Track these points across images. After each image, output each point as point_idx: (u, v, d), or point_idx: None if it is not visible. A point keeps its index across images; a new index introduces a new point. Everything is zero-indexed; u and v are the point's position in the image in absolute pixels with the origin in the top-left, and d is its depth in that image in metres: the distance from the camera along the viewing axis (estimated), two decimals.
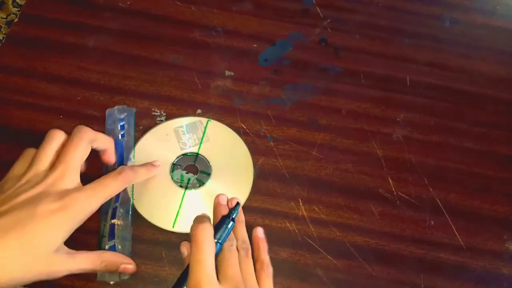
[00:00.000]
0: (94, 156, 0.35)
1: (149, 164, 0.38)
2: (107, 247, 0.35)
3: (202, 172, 0.40)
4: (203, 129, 0.41)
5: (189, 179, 0.39)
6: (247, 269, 0.33)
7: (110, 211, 0.36)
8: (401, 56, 0.48)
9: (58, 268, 0.29)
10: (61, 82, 0.43)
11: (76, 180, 0.31)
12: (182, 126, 0.41)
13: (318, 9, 0.50)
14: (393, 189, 0.41)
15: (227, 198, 0.38)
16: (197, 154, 0.41)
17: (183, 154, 0.40)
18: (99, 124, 0.41)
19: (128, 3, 0.48)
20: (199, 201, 0.39)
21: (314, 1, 0.51)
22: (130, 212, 0.37)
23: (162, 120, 0.42)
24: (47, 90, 0.42)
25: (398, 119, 0.45)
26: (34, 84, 0.43)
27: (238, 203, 0.37)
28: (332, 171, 0.42)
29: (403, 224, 0.40)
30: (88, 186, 0.31)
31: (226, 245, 0.33)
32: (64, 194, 0.29)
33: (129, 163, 0.39)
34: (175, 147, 0.41)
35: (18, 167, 0.32)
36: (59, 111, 0.42)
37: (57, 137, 0.32)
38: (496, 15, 0.52)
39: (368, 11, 0.51)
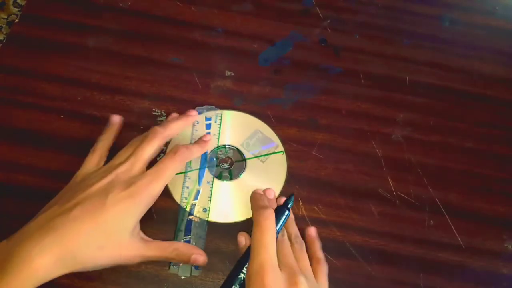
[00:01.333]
0: None
1: (201, 141, 0.39)
2: (182, 241, 0.37)
3: (229, 173, 0.40)
4: (271, 151, 0.41)
5: (215, 165, 0.40)
6: (303, 261, 0.34)
7: (189, 207, 0.38)
8: (401, 56, 0.48)
9: (131, 252, 0.31)
10: (62, 82, 0.43)
11: (142, 169, 0.34)
12: (263, 136, 0.42)
13: (318, 9, 0.50)
14: (393, 189, 0.41)
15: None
16: (245, 159, 0.41)
17: (237, 149, 0.41)
18: (99, 124, 0.41)
19: (129, 3, 0.48)
20: (195, 183, 0.39)
21: (314, 2, 0.51)
22: (208, 211, 0.38)
23: (162, 121, 0.42)
24: (48, 90, 0.43)
25: (397, 119, 0.45)
26: (34, 84, 0.43)
27: (292, 194, 0.38)
28: (332, 171, 0.42)
29: (403, 224, 0.40)
30: (149, 171, 0.33)
31: (279, 235, 0.34)
32: (130, 182, 0.32)
33: (212, 163, 0.40)
34: (238, 140, 0.41)
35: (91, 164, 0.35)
36: (59, 111, 0.42)
37: (135, 143, 0.35)
38: (495, 15, 0.53)
39: (368, 11, 0.51)
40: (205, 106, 0.43)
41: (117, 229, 0.30)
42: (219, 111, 0.42)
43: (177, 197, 0.39)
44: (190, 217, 0.38)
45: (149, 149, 0.34)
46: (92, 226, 0.29)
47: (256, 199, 0.36)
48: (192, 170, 0.39)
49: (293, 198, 0.38)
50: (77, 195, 0.31)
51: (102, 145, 0.36)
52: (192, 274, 0.36)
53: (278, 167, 0.41)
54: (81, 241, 0.29)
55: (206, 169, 0.40)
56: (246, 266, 0.32)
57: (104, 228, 0.30)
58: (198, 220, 0.38)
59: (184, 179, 0.39)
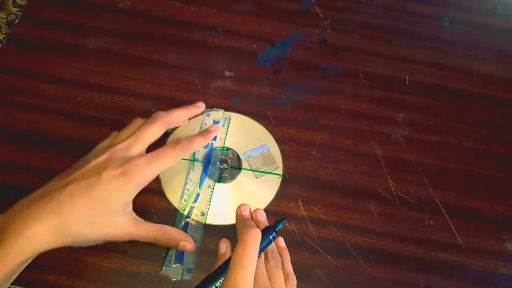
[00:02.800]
0: None
1: (205, 131, 0.39)
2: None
3: (220, 175, 0.40)
4: (270, 171, 0.40)
5: (218, 169, 0.40)
6: (278, 280, 0.34)
7: (187, 209, 0.38)
8: (400, 56, 0.48)
9: (121, 229, 0.31)
10: (62, 82, 0.43)
11: (140, 150, 0.34)
12: (269, 154, 0.41)
13: (317, 9, 0.50)
14: (393, 189, 0.41)
15: (250, 209, 0.38)
16: (240, 168, 0.40)
17: (238, 157, 0.40)
18: (99, 125, 0.41)
19: (128, 4, 0.48)
20: (196, 186, 0.39)
21: (314, 2, 0.51)
22: (205, 215, 0.38)
23: None
24: (48, 91, 0.43)
25: (397, 119, 0.45)
26: (34, 84, 0.43)
27: (285, 218, 0.37)
28: (332, 171, 0.42)
29: (403, 224, 0.40)
30: (148, 154, 0.33)
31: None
32: (126, 161, 0.32)
33: (215, 167, 0.40)
34: (242, 148, 0.41)
35: (105, 142, 0.35)
36: (59, 112, 0.42)
37: (137, 123, 0.36)
38: (495, 14, 0.52)
39: (368, 11, 0.51)
40: (214, 108, 0.42)
41: (109, 206, 0.31)
42: (227, 115, 0.42)
43: (170, 197, 0.39)
44: (187, 219, 0.38)
45: (150, 131, 0.34)
46: (85, 202, 0.30)
47: (244, 219, 0.36)
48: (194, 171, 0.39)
49: (284, 222, 0.37)
50: (74, 171, 0.32)
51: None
52: (183, 277, 0.36)
53: (270, 187, 0.40)
54: (76, 215, 0.29)
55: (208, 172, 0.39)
56: (221, 281, 0.31)
57: (97, 205, 0.30)
58: (195, 223, 0.38)
59: (185, 181, 0.39)
